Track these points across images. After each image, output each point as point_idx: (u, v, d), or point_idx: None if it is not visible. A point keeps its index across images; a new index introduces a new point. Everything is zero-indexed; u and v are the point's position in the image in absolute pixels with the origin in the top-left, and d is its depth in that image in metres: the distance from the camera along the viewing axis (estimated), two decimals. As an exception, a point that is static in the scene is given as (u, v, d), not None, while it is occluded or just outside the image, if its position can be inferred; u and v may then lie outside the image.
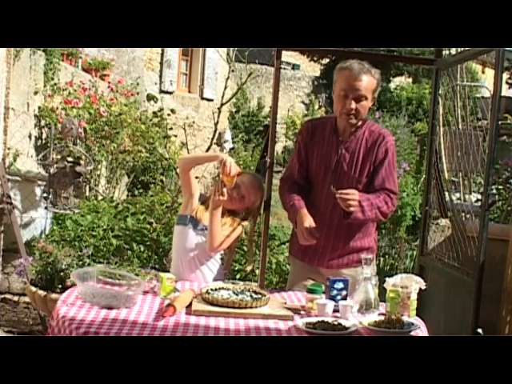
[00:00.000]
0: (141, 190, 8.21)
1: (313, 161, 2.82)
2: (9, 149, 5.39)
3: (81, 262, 3.32)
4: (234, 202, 2.88)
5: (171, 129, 7.92)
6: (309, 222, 2.65)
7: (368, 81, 2.68)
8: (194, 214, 2.89)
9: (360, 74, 2.67)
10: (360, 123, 2.78)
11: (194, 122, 7.98)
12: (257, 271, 4.36)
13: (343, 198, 2.54)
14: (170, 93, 13.76)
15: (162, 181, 8.15)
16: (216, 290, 2.48)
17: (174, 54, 13.90)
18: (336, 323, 2.18)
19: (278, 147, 14.12)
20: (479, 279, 2.95)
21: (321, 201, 2.78)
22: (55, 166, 4.67)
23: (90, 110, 6.92)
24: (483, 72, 20.22)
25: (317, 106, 17.42)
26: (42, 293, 3.24)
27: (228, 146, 12.90)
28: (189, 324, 2.15)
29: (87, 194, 6.92)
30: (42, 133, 6.63)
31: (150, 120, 7.76)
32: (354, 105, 2.68)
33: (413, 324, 2.20)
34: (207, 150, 5.17)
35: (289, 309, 2.39)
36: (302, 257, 2.86)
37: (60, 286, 3.22)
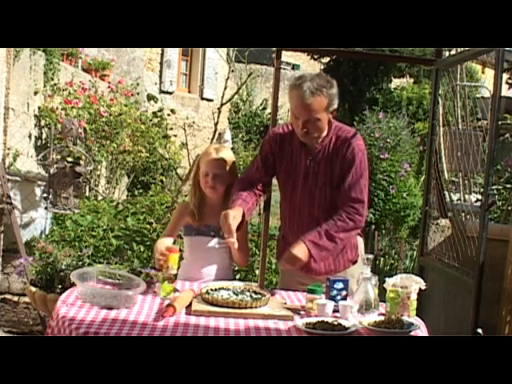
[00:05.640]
0: (141, 190, 8.21)
1: (281, 172, 2.76)
2: (9, 149, 5.39)
3: (81, 262, 3.32)
4: (216, 187, 2.82)
5: (171, 129, 7.94)
6: (231, 220, 2.52)
7: (317, 102, 2.54)
8: (191, 223, 2.86)
9: (308, 96, 2.52)
10: (325, 132, 2.68)
11: (193, 122, 7.99)
12: (257, 271, 4.37)
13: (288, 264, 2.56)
14: (170, 93, 13.76)
15: (161, 181, 8.15)
16: (216, 290, 2.48)
17: (174, 54, 13.90)
18: (336, 323, 2.18)
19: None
20: (479, 279, 2.95)
21: (294, 212, 2.74)
22: (55, 166, 4.67)
23: (89, 110, 6.93)
24: (483, 72, 20.20)
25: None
26: (41, 293, 3.24)
27: (228, 146, 12.88)
28: (189, 324, 2.15)
29: (87, 194, 6.93)
30: (41, 133, 6.63)
31: (150, 120, 7.77)
32: (305, 129, 2.59)
33: (413, 324, 2.20)
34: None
35: (289, 309, 2.39)
36: None
37: (60, 286, 3.22)
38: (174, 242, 2.98)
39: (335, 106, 2.62)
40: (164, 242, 2.76)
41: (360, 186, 2.65)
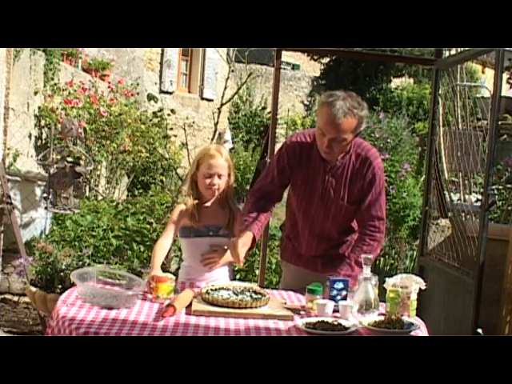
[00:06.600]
0: (141, 190, 8.21)
1: (297, 183, 2.76)
2: (9, 149, 5.39)
3: (81, 262, 3.32)
4: (220, 187, 2.82)
5: (171, 129, 7.93)
6: (240, 248, 2.54)
7: (347, 123, 2.53)
8: (191, 224, 2.84)
9: (340, 116, 2.51)
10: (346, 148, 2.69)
11: (193, 122, 7.97)
12: (257, 271, 4.37)
13: None
14: (170, 93, 13.77)
15: (161, 181, 8.15)
16: (216, 290, 2.48)
17: (174, 54, 13.91)
18: (336, 323, 2.18)
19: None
20: (479, 279, 2.95)
21: (307, 221, 2.76)
22: (55, 166, 4.67)
23: (89, 110, 6.92)
24: (483, 72, 20.22)
25: (316, 107, 17.34)
26: (41, 293, 3.24)
27: (228, 146, 12.88)
28: (189, 324, 2.15)
29: (87, 194, 6.93)
30: (41, 133, 6.63)
31: (150, 120, 7.77)
32: (329, 148, 2.59)
33: (413, 324, 2.20)
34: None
35: (289, 309, 2.39)
36: (295, 262, 2.85)
37: (60, 286, 3.22)
38: (175, 242, 2.98)
39: (362, 128, 2.62)
40: (154, 268, 2.64)
41: (380, 203, 2.71)
